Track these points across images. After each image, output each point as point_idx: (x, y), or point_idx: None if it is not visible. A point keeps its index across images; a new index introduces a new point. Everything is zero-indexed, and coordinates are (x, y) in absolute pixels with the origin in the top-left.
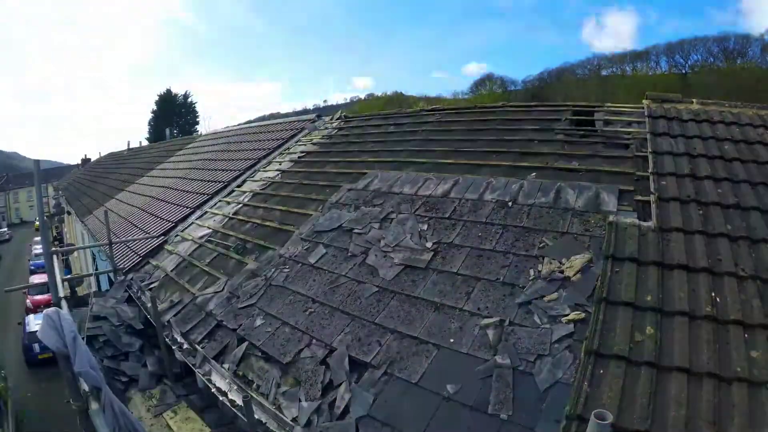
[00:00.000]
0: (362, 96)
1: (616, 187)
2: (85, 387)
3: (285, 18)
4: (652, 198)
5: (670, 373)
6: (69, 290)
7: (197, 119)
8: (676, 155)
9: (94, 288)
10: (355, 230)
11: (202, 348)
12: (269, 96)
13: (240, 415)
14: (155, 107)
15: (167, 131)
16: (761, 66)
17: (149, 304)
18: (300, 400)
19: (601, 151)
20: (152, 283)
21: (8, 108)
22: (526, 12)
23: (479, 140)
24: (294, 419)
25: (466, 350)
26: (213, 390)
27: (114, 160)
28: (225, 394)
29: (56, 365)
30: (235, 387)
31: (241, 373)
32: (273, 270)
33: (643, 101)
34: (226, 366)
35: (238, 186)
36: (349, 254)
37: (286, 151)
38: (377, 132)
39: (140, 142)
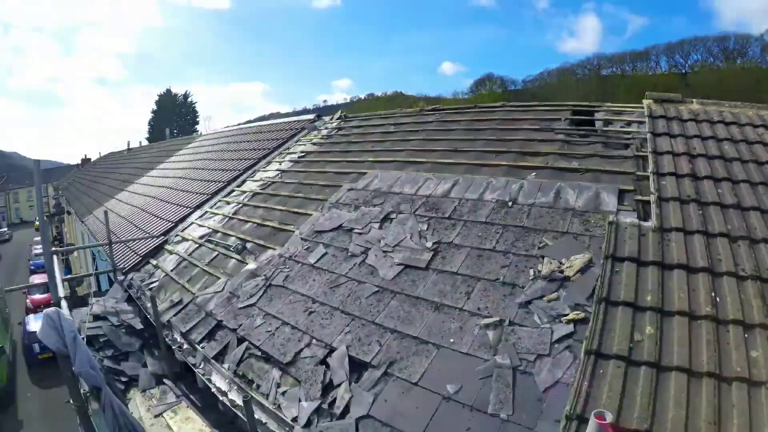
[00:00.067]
0: (362, 96)
1: (616, 187)
2: (85, 387)
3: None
4: (652, 198)
5: (669, 373)
6: (69, 290)
7: (197, 119)
8: (676, 155)
9: (94, 288)
10: (355, 230)
11: (202, 348)
12: (253, 96)
13: (240, 415)
14: (155, 107)
15: (167, 131)
16: (761, 66)
17: (149, 304)
18: (300, 400)
19: (601, 151)
20: (152, 283)
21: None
22: (499, 15)
23: (479, 140)
24: (294, 419)
25: (466, 350)
26: (213, 390)
27: (114, 160)
28: (225, 394)
29: (56, 365)
30: (235, 387)
31: (241, 373)
32: (273, 270)
33: (643, 101)
34: (226, 366)
35: (238, 186)
36: (349, 254)
37: (286, 151)
38: (377, 132)
39: (140, 142)
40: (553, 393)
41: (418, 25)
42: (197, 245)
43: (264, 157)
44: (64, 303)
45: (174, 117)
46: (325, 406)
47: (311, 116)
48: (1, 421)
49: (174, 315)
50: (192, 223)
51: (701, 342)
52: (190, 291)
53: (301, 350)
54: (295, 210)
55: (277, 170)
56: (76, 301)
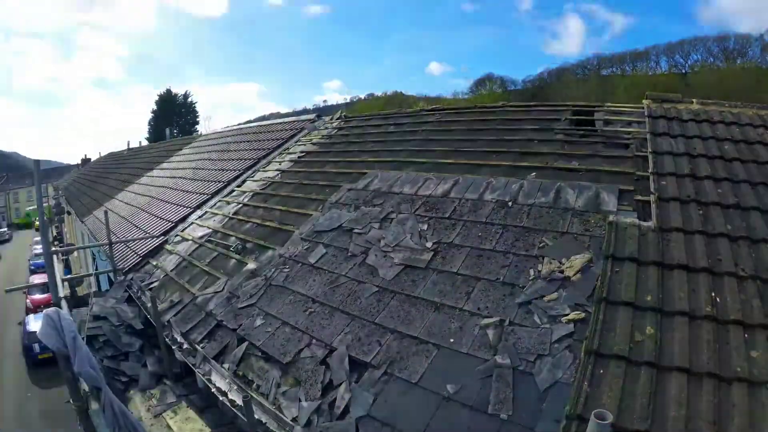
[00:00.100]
0: (362, 96)
1: (616, 187)
2: (85, 387)
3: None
4: (652, 198)
5: (670, 373)
6: (69, 290)
7: (197, 119)
8: (676, 155)
9: (94, 288)
10: (355, 230)
11: (202, 348)
12: (248, 96)
13: (240, 415)
14: (155, 107)
15: (167, 131)
16: (761, 66)
17: (149, 304)
18: (300, 400)
19: (601, 151)
20: (152, 283)
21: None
22: (484, 18)
23: (479, 140)
24: (294, 419)
25: (466, 350)
26: (213, 390)
27: (114, 160)
28: (225, 394)
29: (56, 365)
30: (235, 387)
31: (241, 373)
32: (273, 270)
33: (643, 101)
34: (226, 366)
35: (238, 186)
36: (349, 254)
37: (286, 151)
38: (377, 132)
39: (140, 142)
40: (553, 393)
41: (403, 28)
42: (197, 245)
43: (264, 157)
44: (64, 303)
45: (174, 117)
46: (325, 406)
47: (311, 116)
48: None
49: (174, 315)
50: (192, 223)
51: (701, 342)
52: (190, 291)
53: (301, 350)
54: (295, 210)
55: (277, 170)
56: (77, 301)
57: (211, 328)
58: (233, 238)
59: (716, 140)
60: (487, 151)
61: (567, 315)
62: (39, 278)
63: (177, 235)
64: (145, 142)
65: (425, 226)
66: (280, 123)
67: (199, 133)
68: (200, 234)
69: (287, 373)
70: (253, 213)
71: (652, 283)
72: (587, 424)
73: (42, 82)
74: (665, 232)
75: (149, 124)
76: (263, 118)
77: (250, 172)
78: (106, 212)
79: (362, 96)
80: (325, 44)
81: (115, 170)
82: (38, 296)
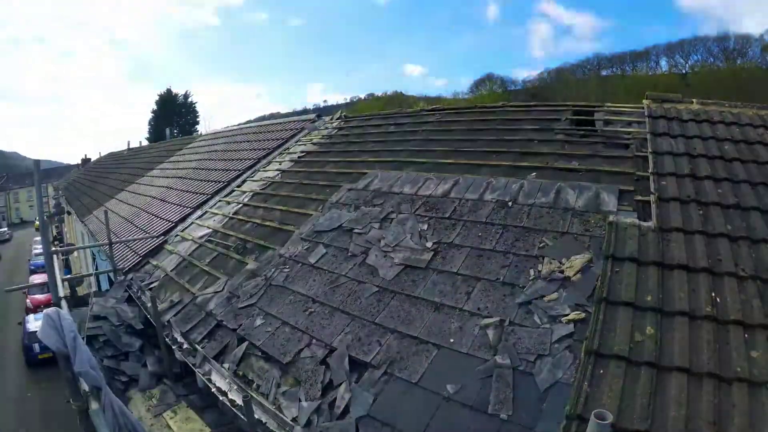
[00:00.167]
0: (362, 96)
1: (616, 187)
2: (85, 387)
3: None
4: (652, 198)
5: (670, 373)
6: (69, 290)
7: (197, 119)
8: (676, 155)
9: (94, 288)
10: (355, 230)
11: (202, 348)
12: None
13: (240, 415)
14: (155, 107)
15: (167, 131)
16: (761, 66)
17: (149, 304)
18: (300, 400)
19: (601, 151)
20: (152, 283)
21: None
22: (453, 22)
23: (479, 140)
24: (294, 419)
25: (466, 350)
26: (213, 390)
27: (114, 160)
28: (225, 394)
29: (56, 365)
30: (235, 387)
31: (241, 373)
32: (273, 270)
33: (643, 101)
34: (226, 366)
35: (238, 186)
36: (349, 254)
37: (286, 151)
38: (377, 132)
39: (140, 142)
40: (553, 393)
41: (373, 33)
42: (197, 245)
43: (264, 157)
44: (64, 303)
45: (174, 117)
46: (325, 406)
47: (311, 116)
48: None
49: (174, 315)
50: (192, 223)
51: (702, 342)
52: (191, 291)
53: (301, 350)
54: (296, 210)
55: (277, 170)
56: (77, 301)
57: (211, 328)
58: (233, 238)
59: (716, 140)
60: (487, 151)
61: (567, 315)
62: (39, 278)
63: (177, 235)
64: (145, 142)
65: (425, 226)
66: (280, 123)
67: (199, 133)
68: (200, 234)
69: (287, 373)
70: (253, 213)
71: (652, 283)
72: (587, 424)
73: (42, 82)
74: (665, 232)
75: (149, 124)
76: (263, 118)
77: (250, 172)
78: (106, 212)
79: (362, 96)
80: (307, 51)
81: (115, 170)
82: (38, 296)
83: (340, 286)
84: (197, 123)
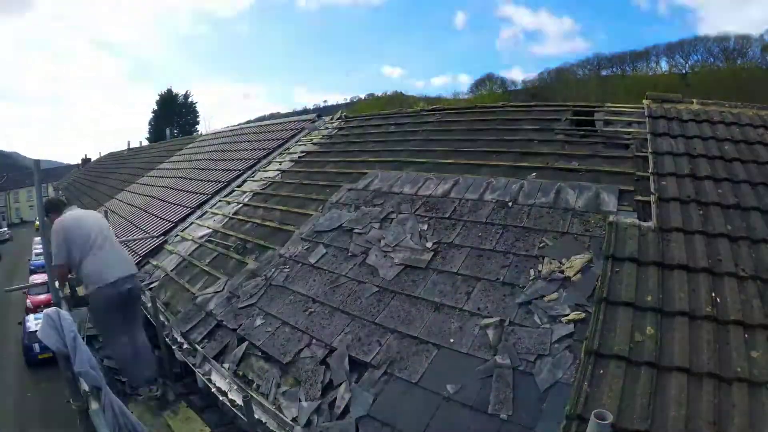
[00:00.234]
0: (362, 96)
1: (616, 187)
2: (85, 387)
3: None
4: (652, 198)
5: (670, 373)
6: (69, 290)
7: (197, 119)
8: (676, 155)
9: None
10: (355, 230)
11: (202, 348)
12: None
13: (240, 415)
14: (156, 107)
15: (167, 131)
16: (761, 66)
17: (149, 304)
18: (300, 400)
19: (601, 151)
20: (152, 283)
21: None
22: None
23: (479, 140)
24: (294, 419)
25: (466, 350)
26: (213, 390)
27: (114, 160)
28: (225, 394)
29: (56, 365)
30: (235, 387)
31: (241, 373)
32: (273, 270)
33: (643, 101)
34: (226, 366)
35: (238, 186)
36: (350, 254)
37: (286, 151)
38: (377, 132)
39: (140, 142)
40: (553, 393)
41: (351, 37)
42: (197, 245)
43: (264, 157)
44: (64, 303)
45: (174, 117)
46: (325, 406)
47: (311, 116)
48: None
49: (174, 315)
50: (192, 223)
51: (702, 342)
52: (191, 291)
53: (301, 350)
54: (296, 210)
55: (277, 170)
56: (77, 301)
57: (211, 327)
58: (233, 238)
59: (716, 140)
60: (487, 151)
61: (567, 315)
62: (39, 278)
63: (177, 235)
64: (145, 142)
65: (425, 226)
66: (280, 123)
67: (199, 133)
68: (200, 234)
69: (287, 373)
70: (253, 213)
71: (652, 283)
72: (587, 424)
73: (42, 82)
74: (665, 232)
75: (149, 124)
76: (263, 118)
77: (250, 172)
78: (106, 212)
79: (362, 96)
80: (294, 55)
81: (115, 170)
82: (38, 296)
83: (340, 286)
84: (197, 123)
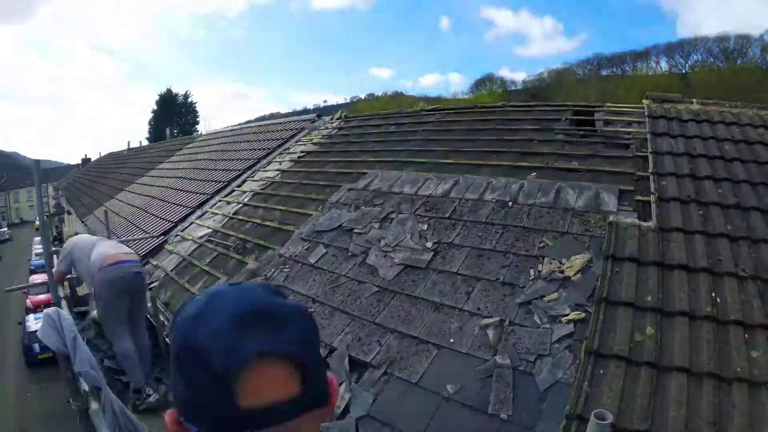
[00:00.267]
0: (362, 96)
1: (616, 187)
2: (85, 387)
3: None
4: (652, 198)
5: (670, 373)
6: (69, 290)
7: (197, 119)
8: (676, 155)
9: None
10: (355, 230)
11: None
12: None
13: None
14: (155, 107)
15: (167, 131)
16: (761, 66)
17: (149, 304)
18: None
19: (601, 151)
20: (152, 282)
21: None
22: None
23: (479, 140)
24: None
25: (466, 350)
26: None
27: (114, 160)
28: None
29: (56, 365)
30: None
31: None
32: (273, 270)
33: (643, 101)
34: None
35: (238, 186)
36: (349, 254)
37: (286, 151)
38: (377, 132)
39: (140, 142)
40: (553, 393)
41: (342, 40)
42: (197, 245)
43: (264, 157)
44: (64, 303)
45: (174, 117)
46: None
47: (311, 116)
48: None
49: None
50: (192, 222)
51: (702, 342)
52: (191, 291)
53: None
54: (296, 210)
55: (277, 170)
56: (77, 301)
57: None
58: (233, 238)
59: (716, 140)
60: (487, 151)
61: (567, 315)
62: (39, 278)
63: (177, 235)
64: (145, 142)
65: (425, 226)
66: (280, 123)
67: (199, 133)
68: (200, 234)
69: None
70: (253, 213)
71: (652, 283)
72: (587, 424)
73: (42, 82)
74: (665, 232)
75: (149, 124)
76: (263, 118)
77: (250, 172)
78: (106, 212)
79: (362, 96)
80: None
81: (115, 170)
82: (38, 296)
83: (340, 286)
84: (197, 123)
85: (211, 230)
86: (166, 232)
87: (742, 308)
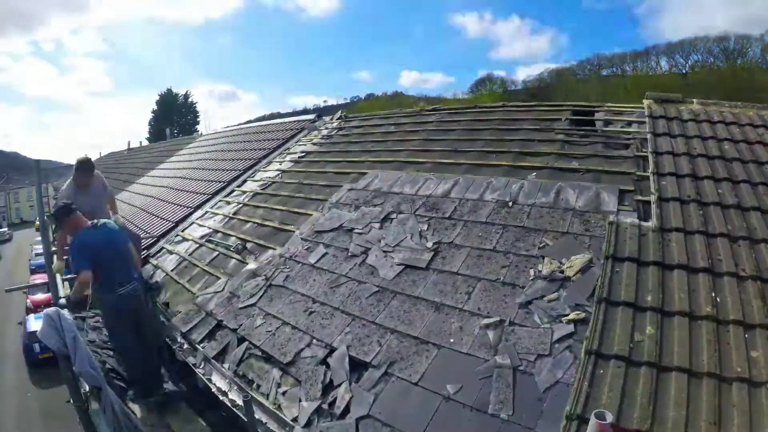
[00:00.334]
0: (362, 96)
1: (616, 187)
2: (85, 387)
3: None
4: (652, 198)
5: (670, 373)
6: (69, 290)
7: (197, 119)
8: (677, 155)
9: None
10: (356, 230)
11: (202, 348)
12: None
13: (240, 415)
14: (155, 107)
15: (167, 131)
16: (761, 66)
17: (149, 304)
18: (300, 400)
19: (601, 151)
20: (151, 286)
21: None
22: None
23: (479, 140)
24: (294, 419)
25: (466, 350)
26: (213, 390)
27: (114, 160)
28: (225, 394)
29: (56, 365)
30: (236, 387)
31: (241, 373)
32: (273, 270)
33: (643, 101)
34: (226, 366)
35: (239, 186)
36: (350, 254)
37: (286, 151)
38: (377, 132)
39: (140, 142)
40: (553, 393)
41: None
42: (197, 245)
43: (264, 157)
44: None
45: (174, 117)
46: (325, 406)
47: (311, 116)
48: None
49: (174, 315)
50: (192, 223)
51: (701, 342)
52: (191, 291)
53: (302, 350)
54: (296, 210)
55: (277, 170)
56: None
57: (212, 328)
58: (233, 238)
59: (716, 140)
60: (488, 151)
61: (567, 315)
62: (39, 278)
63: (177, 235)
64: (145, 142)
65: (425, 226)
66: (280, 123)
67: (199, 133)
68: (200, 234)
69: (287, 373)
70: (253, 213)
71: (652, 283)
72: (587, 424)
73: (42, 82)
74: (665, 232)
75: (149, 124)
76: (263, 118)
77: (250, 172)
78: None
79: (362, 96)
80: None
81: (115, 170)
82: (38, 296)
83: (340, 286)
84: (197, 123)
85: (211, 230)
86: (166, 232)
87: (742, 308)
